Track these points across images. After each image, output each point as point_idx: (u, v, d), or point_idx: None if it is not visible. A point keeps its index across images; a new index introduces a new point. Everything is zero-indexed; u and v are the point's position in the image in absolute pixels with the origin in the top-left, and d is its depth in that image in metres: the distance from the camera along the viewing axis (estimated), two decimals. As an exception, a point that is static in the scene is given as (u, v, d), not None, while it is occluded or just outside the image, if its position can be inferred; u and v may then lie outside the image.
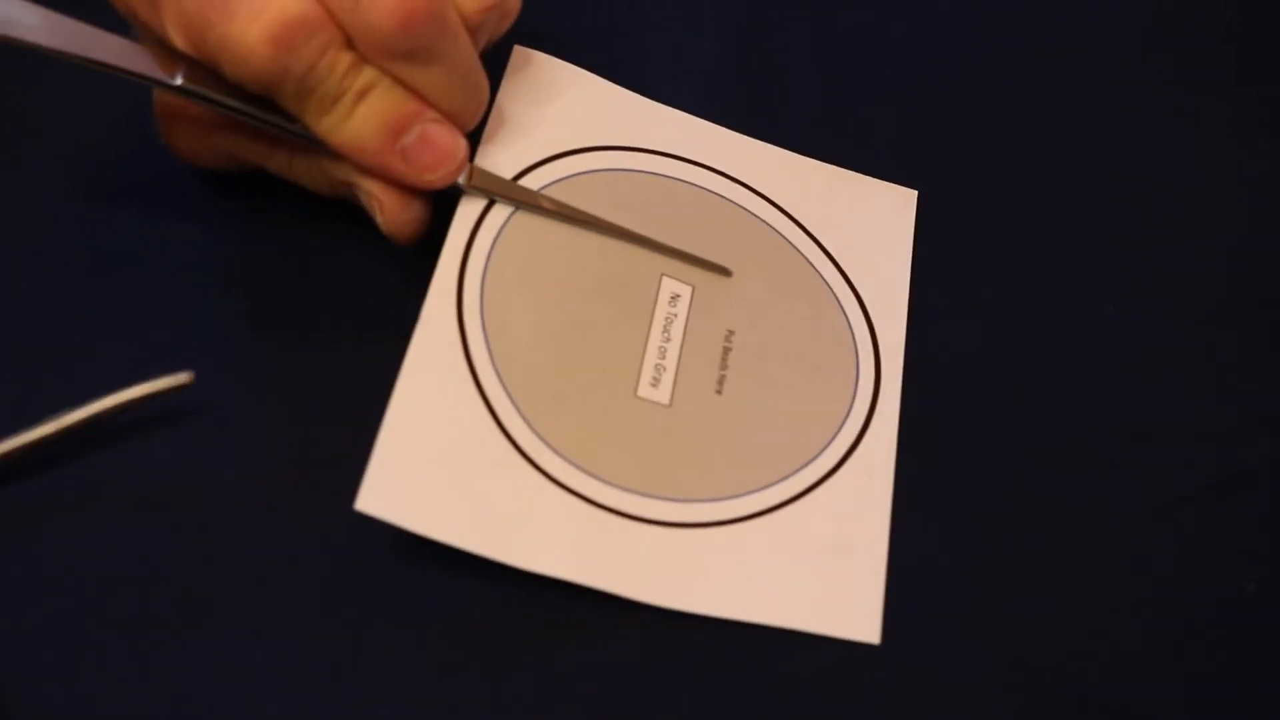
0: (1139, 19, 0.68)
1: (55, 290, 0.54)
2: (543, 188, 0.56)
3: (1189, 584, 0.53)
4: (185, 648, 0.48)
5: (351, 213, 0.55)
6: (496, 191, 0.54)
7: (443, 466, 0.50)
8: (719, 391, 0.54)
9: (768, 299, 0.57)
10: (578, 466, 0.51)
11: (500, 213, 0.55)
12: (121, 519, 0.50)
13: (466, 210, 0.54)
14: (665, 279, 0.56)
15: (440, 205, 0.54)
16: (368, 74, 0.51)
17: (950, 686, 0.51)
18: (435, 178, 0.53)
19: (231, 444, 0.51)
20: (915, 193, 0.61)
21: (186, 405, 0.51)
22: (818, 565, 0.52)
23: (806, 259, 0.58)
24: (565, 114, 0.58)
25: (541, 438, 0.51)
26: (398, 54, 0.51)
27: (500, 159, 0.56)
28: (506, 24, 0.55)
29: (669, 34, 0.64)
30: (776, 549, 0.52)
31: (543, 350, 0.53)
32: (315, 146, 0.53)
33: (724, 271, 0.57)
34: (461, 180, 0.54)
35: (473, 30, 0.52)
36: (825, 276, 0.58)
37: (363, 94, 0.51)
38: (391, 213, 0.53)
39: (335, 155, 0.53)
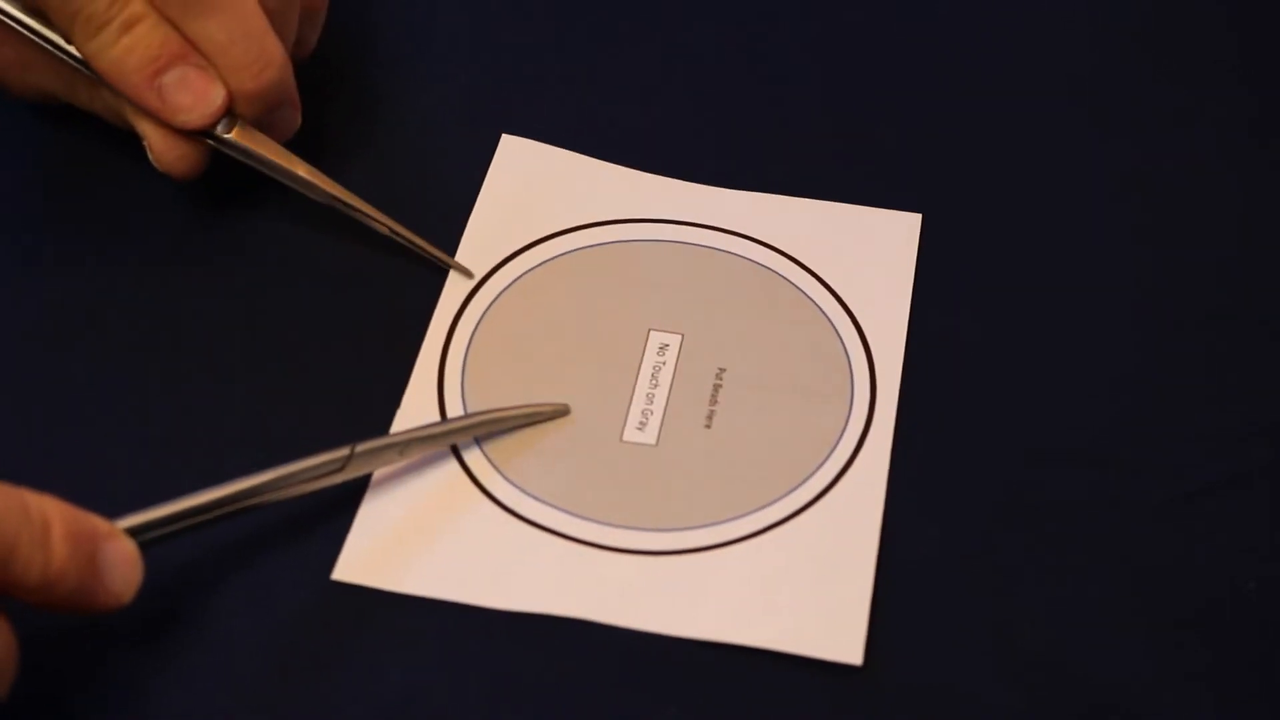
0: (1143, 21, 0.69)
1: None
2: (530, 269, 0.60)
3: (1190, 584, 0.53)
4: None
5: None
6: (255, 151, 0.58)
7: (419, 529, 0.54)
8: (708, 426, 0.57)
9: (761, 334, 0.59)
10: (559, 509, 0.54)
11: (486, 296, 0.59)
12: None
13: (451, 294, 0.59)
14: (653, 333, 0.59)
15: (426, 283, 0.59)
16: (136, 6, 0.56)
17: (950, 687, 0.51)
18: (188, 119, 0.57)
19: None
20: (919, 216, 0.62)
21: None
22: (802, 587, 0.53)
23: (803, 292, 0.60)
24: (552, 197, 0.62)
25: (523, 490, 0.55)
26: (171, 1, 0.55)
27: (487, 245, 0.60)
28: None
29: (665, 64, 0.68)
30: (761, 571, 0.53)
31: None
32: (89, 73, 0.57)
33: (466, 273, 0.59)
34: (220, 129, 0.57)
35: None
36: (822, 307, 0.60)
37: (129, 25, 0.55)
38: (159, 150, 0.58)
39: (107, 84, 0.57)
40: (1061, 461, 0.56)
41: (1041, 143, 0.65)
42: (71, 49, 0.57)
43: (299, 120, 0.60)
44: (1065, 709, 0.51)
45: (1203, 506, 0.55)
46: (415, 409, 0.56)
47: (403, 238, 0.59)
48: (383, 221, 0.59)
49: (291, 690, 0.51)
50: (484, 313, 0.59)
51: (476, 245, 0.60)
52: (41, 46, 0.58)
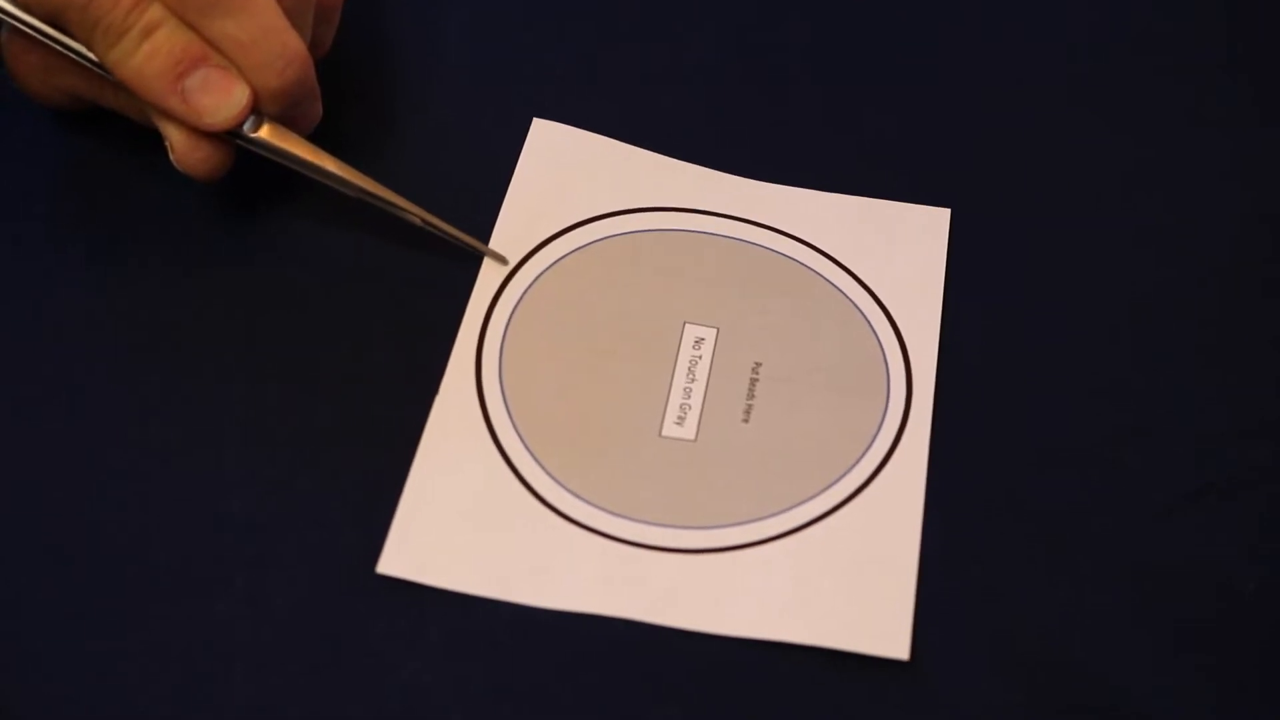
0: (1152, 17, 0.69)
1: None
2: (564, 255, 0.59)
3: (1190, 585, 0.54)
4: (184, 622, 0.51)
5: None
6: (282, 149, 0.57)
7: (463, 523, 0.53)
8: (746, 420, 0.56)
9: (796, 328, 0.59)
10: (601, 508, 0.54)
11: (520, 283, 0.58)
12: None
13: (485, 282, 0.58)
14: (688, 326, 0.58)
15: (461, 271, 0.58)
16: (154, 11, 0.55)
17: (952, 686, 0.51)
18: (214, 121, 0.56)
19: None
20: (948, 211, 0.62)
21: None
22: (846, 582, 0.53)
23: (836, 286, 0.60)
24: (585, 182, 0.61)
25: (564, 486, 0.54)
26: (189, 4, 0.55)
27: (520, 231, 0.59)
28: None
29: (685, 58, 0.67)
30: (803, 567, 0.53)
31: (563, 408, 0.56)
32: (113, 79, 0.56)
33: (501, 260, 0.59)
34: (247, 128, 0.57)
35: None
36: (856, 301, 0.60)
37: (149, 31, 0.55)
38: (181, 151, 0.57)
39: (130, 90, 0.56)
40: (1062, 461, 0.56)
41: (1055, 142, 0.65)
42: (93, 56, 0.56)
43: (320, 110, 0.59)
44: (1065, 709, 0.51)
45: (1203, 506, 0.55)
46: (453, 396, 0.56)
47: (435, 227, 0.58)
48: (414, 212, 0.58)
49: (293, 689, 0.51)
50: (519, 298, 0.58)
51: (510, 231, 0.60)
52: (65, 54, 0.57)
